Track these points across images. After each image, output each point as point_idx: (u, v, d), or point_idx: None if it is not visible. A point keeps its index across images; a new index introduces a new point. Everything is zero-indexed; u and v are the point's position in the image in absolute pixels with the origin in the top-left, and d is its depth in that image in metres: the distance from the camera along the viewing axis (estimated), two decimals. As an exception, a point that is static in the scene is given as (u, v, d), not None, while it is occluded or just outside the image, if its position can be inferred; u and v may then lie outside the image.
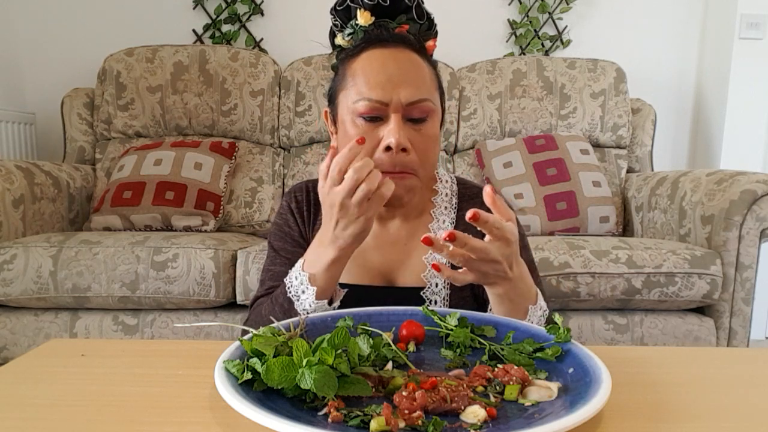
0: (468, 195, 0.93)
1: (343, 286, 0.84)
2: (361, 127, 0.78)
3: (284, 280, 0.78)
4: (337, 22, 0.86)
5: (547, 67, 2.20)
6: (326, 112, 0.89)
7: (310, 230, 0.92)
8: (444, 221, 0.89)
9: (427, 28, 0.86)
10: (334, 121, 0.86)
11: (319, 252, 0.74)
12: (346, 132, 0.80)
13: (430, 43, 0.86)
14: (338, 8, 0.85)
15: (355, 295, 0.81)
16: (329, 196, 0.70)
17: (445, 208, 0.91)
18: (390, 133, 0.76)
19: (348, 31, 0.84)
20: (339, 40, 0.86)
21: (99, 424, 0.47)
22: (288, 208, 0.93)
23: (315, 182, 0.94)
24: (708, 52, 2.42)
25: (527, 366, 0.57)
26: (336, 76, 0.85)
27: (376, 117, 0.78)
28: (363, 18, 0.82)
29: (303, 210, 0.92)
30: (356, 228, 0.70)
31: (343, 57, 0.84)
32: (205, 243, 1.56)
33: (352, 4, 0.83)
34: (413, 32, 0.84)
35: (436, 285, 0.85)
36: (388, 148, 0.77)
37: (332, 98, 0.85)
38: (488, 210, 0.87)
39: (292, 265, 0.84)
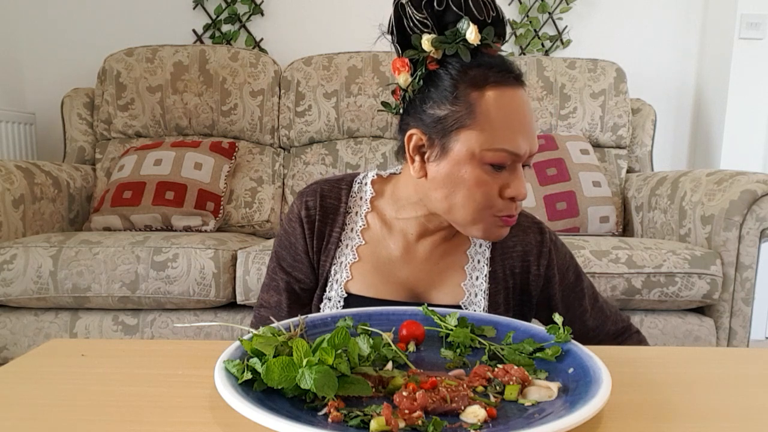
0: None
1: (367, 300, 0.82)
2: (488, 173, 0.73)
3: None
4: (427, 22, 0.72)
5: (547, 67, 2.20)
6: (411, 135, 0.76)
7: (322, 246, 0.84)
8: (480, 245, 0.85)
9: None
10: (422, 148, 0.76)
11: None
12: (459, 174, 0.73)
13: None
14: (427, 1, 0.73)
15: None
16: None
17: None
18: (519, 186, 0.74)
19: (444, 39, 0.73)
20: (425, 44, 0.72)
21: (99, 424, 0.47)
22: (297, 215, 0.84)
23: (331, 185, 0.86)
24: (708, 52, 2.42)
25: (527, 366, 0.57)
26: (448, 104, 0.72)
27: (502, 165, 0.74)
28: (474, 35, 0.71)
29: (314, 220, 0.83)
30: None
31: (457, 81, 0.72)
32: (205, 243, 1.56)
33: (454, 7, 0.72)
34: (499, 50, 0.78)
35: (474, 312, 0.83)
36: (512, 199, 0.75)
37: (440, 126, 0.73)
38: (520, 234, 0.86)
39: (290, 278, 0.84)
